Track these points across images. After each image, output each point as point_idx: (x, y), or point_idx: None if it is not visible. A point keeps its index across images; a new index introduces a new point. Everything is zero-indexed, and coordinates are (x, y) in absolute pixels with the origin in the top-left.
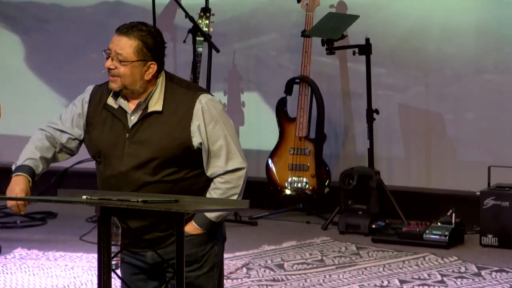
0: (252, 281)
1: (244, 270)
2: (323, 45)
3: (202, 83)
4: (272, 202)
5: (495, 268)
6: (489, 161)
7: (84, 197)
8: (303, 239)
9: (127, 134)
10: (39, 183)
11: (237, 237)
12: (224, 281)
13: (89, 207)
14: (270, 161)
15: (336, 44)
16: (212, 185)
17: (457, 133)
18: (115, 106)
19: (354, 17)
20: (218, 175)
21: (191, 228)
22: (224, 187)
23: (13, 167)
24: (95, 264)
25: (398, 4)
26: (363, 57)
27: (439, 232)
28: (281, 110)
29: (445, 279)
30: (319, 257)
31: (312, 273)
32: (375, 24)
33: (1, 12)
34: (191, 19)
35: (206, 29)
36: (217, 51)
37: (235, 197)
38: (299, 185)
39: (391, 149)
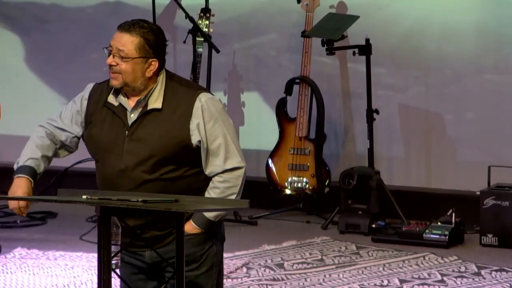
0: (252, 280)
1: (244, 269)
2: (323, 45)
3: (202, 83)
4: (272, 202)
5: (495, 268)
6: (489, 161)
7: (84, 197)
8: (303, 239)
9: (127, 132)
10: (39, 183)
11: (237, 237)
12: (224, 280)
13: (89, 207)
14: (270, 161)
15: (336, 44)
16: (210, 184)
17: (457, 133)
18: (115, 104)
19: (354, 18)
20: (216, 174)
21: (190, 227)
22: (223, 186)
23: (15, 166)
24: (95, 263)
25: (398, 4)
26: (363, 57)
27: (439, 232)
28: (281, 110)
29: (445, 278)
30: (319, 257)
31: (312, 272)
32: (375, 24)
33: (1, 12)
34: (191, 19)
35: (206, 30)
36: (217, 51)
37: (233, 197)
38: (299, 185)
39: (391, 149)
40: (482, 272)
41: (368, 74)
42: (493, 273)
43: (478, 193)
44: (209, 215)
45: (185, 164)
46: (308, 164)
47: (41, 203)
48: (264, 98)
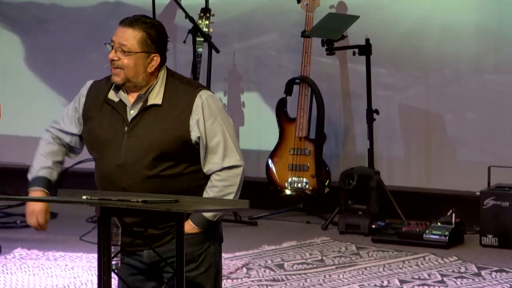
0: (252, 281)
1: (244, 270)
2: (323, 45)
3: (202, 83)
4: (272, 202)
5: (495, 268)
6: (489, 161)
7: (84, 197)
8: (303, 239)
9: (126, 128)
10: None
11: (237, 237)
12: (224, 280)
13: (89, 207)
14: (270, 161)
15: (336, 44)
16: (209, 183)
17: (457, 133)
18: (116, 100)
19: (354, 18)
20: (214, 172)
21: (188, 227)
22: (221, 184)
23: (29, 177)
24: (95, 264)
25: (398, 4)
26: (363, 57)
27: (439, 232)
28: (281, 110)
29: (445, 279)
30: (319, 257)
31: (312, 273)
32: (375, 24)
33: (1, 12)
34: (191, 19)
35: (206, 30)
36: (217, 51)
37: (231, 195)
38: (299, 185)
39: (391, 149)
40: (482, 272)
41: (368, 74)
42: (493, 274)
43: (478, 193)
44: (208, 214)
45: (184, 160)
46: (308, 164)
47: None
48: (264, 98)
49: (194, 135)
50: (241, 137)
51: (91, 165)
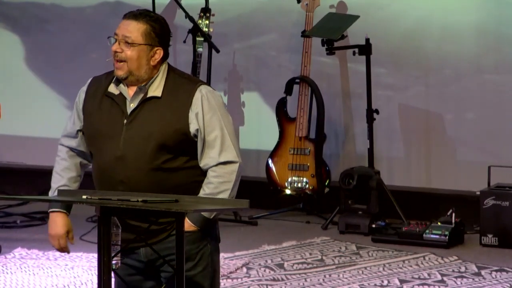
0: (252, 280)
1: (244, 269)
2: (323, 45)
3: None
4: (272, 202)
5: (495, 268)
6: (489, 161)
7: (84, 197)
8: (303, 239)
9: (125, 120)
10: (39, 183)
11: (237, 237)
12: (224, 280)
13: (89, 207)
14: (270, 161)
15: (336, 44)
16: (205, 180)
17: (457, 133)
18: (116, 93)
19: (354, 17)
20: (210, 167)
21: (185, 225)
22: (216, 181)
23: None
24: (95, 263)
25: (398, 4)
26: (363, 57)
27: (439, 232)
28: (281, 110)
29: (445, 278)
30: (319, 257)
31: (312, 272)
32: (375, 24)
33: (1, 12)
34: (191, 19)
35: (206, 29)
36: (217, 51)
37: (227, 192)
38: (299, 185)
39: (391, 149)
40: (482, 272)
41: (368, 74)
42: (493, 273)
43: (478, 193)
44: (205, 212)
45: (183, 154)
46: (308, 164)
47: (41, 203)
48: (264, 98)
49: (193, 128)
50: (241, 137)
51: (91, 165)
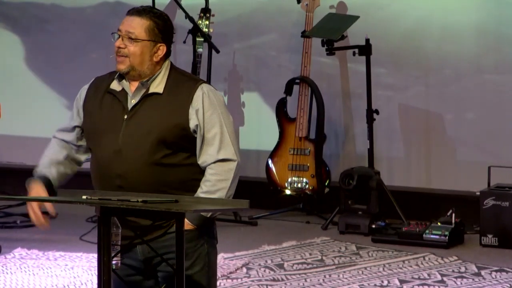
0: (252, 281)
1: (244, 270)
2: (323, 45)
3: None
4: (272, 202)
5: (495, 268)
6: (489, 161)
7: (84, 197)
8: (303, 239)
9: (126, 116)
10: None
11: (237, 237)
12: (224, 280)
13: (89, 207)
14: (270, 161)
15: (336, 44)
16: (203, 178)
17: (457, 133)
18: (118, 89)
19: (354, 18)
20: (209, 164)
21: None
22: (214, 178)
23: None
24: (95, 264)
25: (398, 4)
26: (363, 57)
27: (439, 232)
28: (281, 110)
29: (445, 279)
30: (319, 257)
31: (312, 273)
32: (375, 24)
33: (1, 12)
34: (191, 19)
35: (206, 30)
36: (217, 51)
37: (224, 191)
38: (299, 185)
39: (391, 149)
40: (482, 272)
41: (368, 74)
42: (493, 274)
43: (478, 193)
44: None
45: (182, 150)
46: (308, 164)
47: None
48: (264, 98)
49: (192, 123)
50: (241, 137)
51: (81, 161)
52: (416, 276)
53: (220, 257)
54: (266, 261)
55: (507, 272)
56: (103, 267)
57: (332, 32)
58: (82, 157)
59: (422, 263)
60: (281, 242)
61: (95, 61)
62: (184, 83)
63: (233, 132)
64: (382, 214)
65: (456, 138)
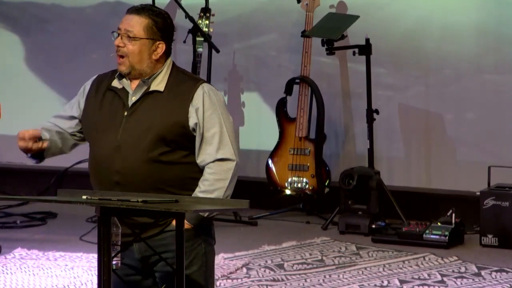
0: (252, 281)
1: (244, 270)
2: (323, 45)
3: None
4: (272, 202)
5: (495, 268)
6: (489, 161)
7: (84, 197)
8: (303, 239)
9: (126, 113)
10: (39, 183)
11: (237, 237)
12: (224, 280)
13: (89, 207)
14: (270, 161)
15: (336, 44)
16: (202, 177)
17: (457, 133)
18: (119, 87)
19: (354, 17)
20: (207, 163)
21: None
22: (212, 178)
23: None
24: (95, 264)
25: (398, 4)
26: (363, 57)
27: (439, 232)
28: (281, 110)
29: (445, 279)
30: (319, 257)
31: (312, 273)
32: (375, 24)
33: (1, 12)
34: (191, 19)
35: (206, 30)
36: (217, 51)
37: (222, 190)
38: (299, 185)
39: (391, 149)
40: (482, 272)
41: (368, 74)
42: (493, 274)
43: (478, 193)
44: None
45: (181, 148)
46: (308, 164)
47: (41, 203)
48: (264, 98)
49: (192, 122)
50: (241, 137)
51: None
52: (416, 276)
53: (220, 257)
54: (266, 261)
55: (507, 272)
56: (103, 267)
57: (332, 31)
58: (70, 143)
59: (422, 263)
60: (281, 242)
61: (95, 61)
62: (185, 82)
63: (232, 132)
64: (382, 214)
65: (456, 138)
